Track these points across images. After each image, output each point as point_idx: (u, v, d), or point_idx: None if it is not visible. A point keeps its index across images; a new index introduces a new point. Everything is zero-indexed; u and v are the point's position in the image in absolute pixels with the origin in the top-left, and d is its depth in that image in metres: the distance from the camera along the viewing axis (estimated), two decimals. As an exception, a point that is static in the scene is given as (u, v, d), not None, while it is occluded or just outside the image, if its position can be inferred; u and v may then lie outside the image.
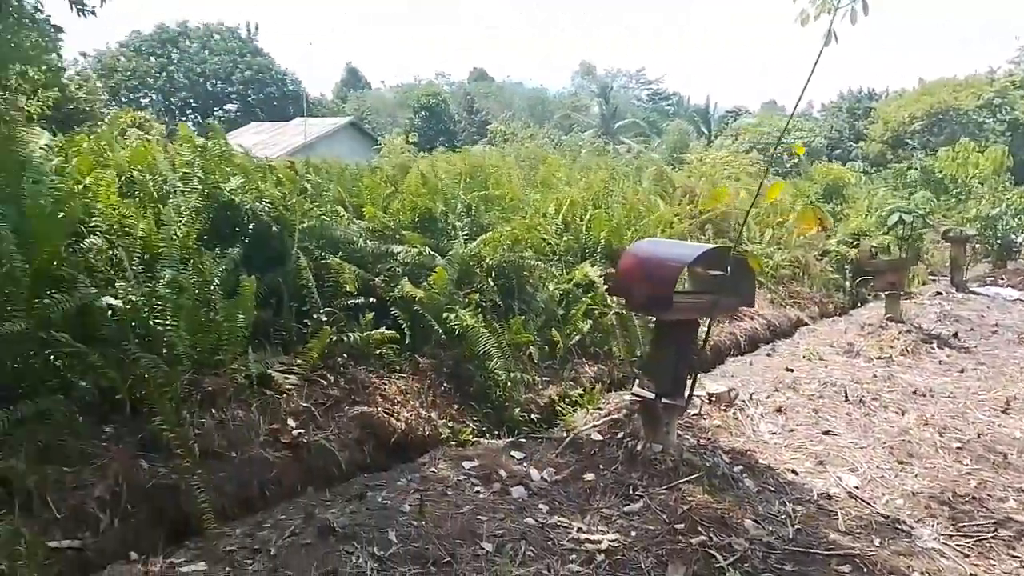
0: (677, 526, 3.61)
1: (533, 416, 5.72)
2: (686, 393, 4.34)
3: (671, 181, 12.89)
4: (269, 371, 4.62)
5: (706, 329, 4.75)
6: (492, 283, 6.41)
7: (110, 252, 4.40)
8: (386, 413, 4.89)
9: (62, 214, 4.04)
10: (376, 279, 5.79)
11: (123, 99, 43.44)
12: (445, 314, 5.66)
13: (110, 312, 3.99)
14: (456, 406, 5.47)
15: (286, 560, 3.04)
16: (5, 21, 7.45)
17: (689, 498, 3.90)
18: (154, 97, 47.69)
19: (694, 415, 5.14)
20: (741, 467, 4.48)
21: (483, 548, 3.26)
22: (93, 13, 6.72)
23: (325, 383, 4.94)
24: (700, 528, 3.62)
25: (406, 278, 5.78)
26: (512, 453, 4.59)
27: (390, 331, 5.38)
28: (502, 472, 4.24)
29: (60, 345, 3.72)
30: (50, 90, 12.29)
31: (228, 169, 5.47)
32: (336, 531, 3.23)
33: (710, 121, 46.58)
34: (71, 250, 4.18)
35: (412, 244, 6.14)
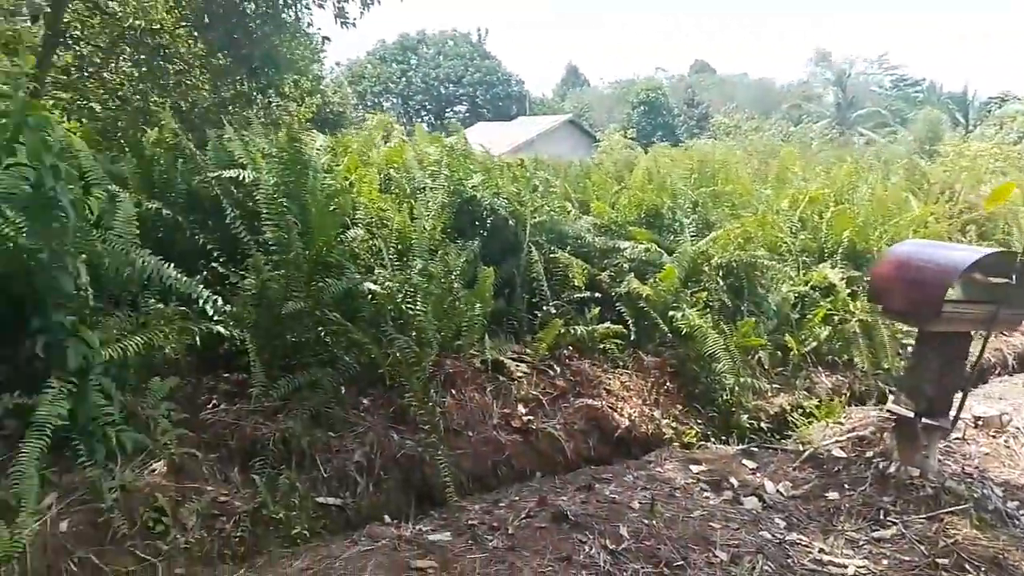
0: (940, 560, 3.23)
1: (762, 424, 5.44)
2: (952, 414, 3.86)
3: (925, 176, 11.52)
4: (502, 358, 4.85)
5: (981, 344, 4.18)
6: (720, 282, 6.18)
7: (370, 242, 4.88)
8: (610, 408, 4.92)
9: (334, 208, 4.54)
10: (602, 274, 5.84)
11: (368, 103, 48.04)
12: (671, 312, 5.56)
13: (370, 296, 4.43)
14: (679, 407, 5.36)
15: (523, 540, 3.17)
16: (283, 35, 8.55)
17: (953, 531, 3.47)
18: (394, 101, 52.14)
19: (956, 439, 4.56)
20: (1018, 503, 3.90)
21: (717, 556, 3.15)
22: (354, 24, 7.50)
23: (552, 373, 5.08)
24: (968, 567, 3.20)
25: (632, 274, 5.76)
26: (743, 461, 4.39)
27: (615, 326, 5.40)
28: (733, 480, 4.07)
29: (330, 323, 4.19)
30: (314, 96, 13.89)
31: (471, 167, 5.82)
32: (569, 519, 3.31)
33: (968, 109, 40.91)
34: (339, 240, 4.69)
35: (639, 240, 6.10)
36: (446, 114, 50.74)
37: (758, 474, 4.22)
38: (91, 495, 3.21)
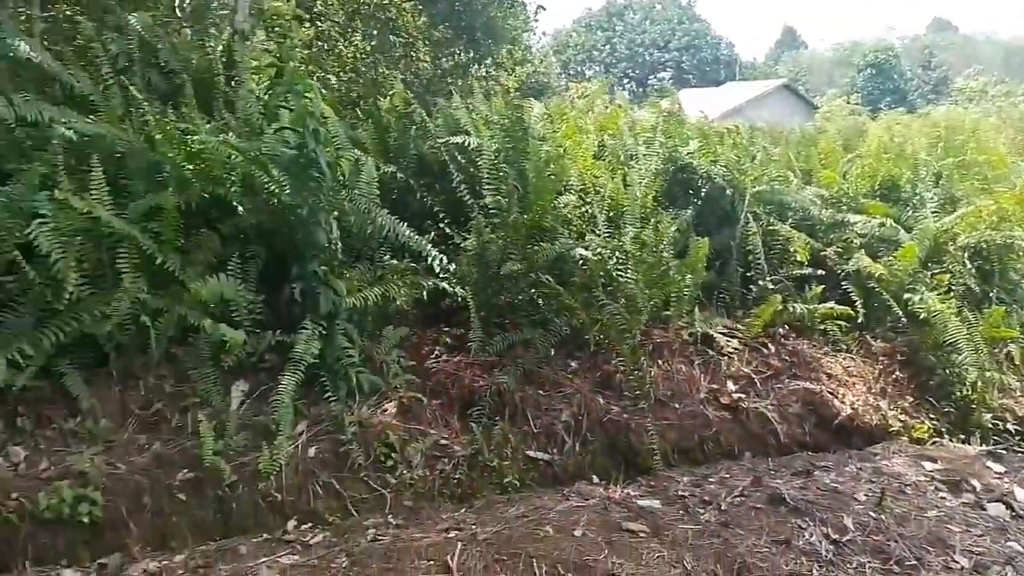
0: None
1: (1008, 426, 4.81)
2: None
3: None
4: (712, 332, 4.70)
5: None
6: (967, 264, 5.50)
7: (583, 208, 4.92)
8: (830, 393, 4.60)
9: (551, 174, 4.62)
10: (827, 250, 5.43)
11: (570, 72, 48.23)
12: (907, 295, 5.05)
13: (581, 261, 4.48)
14: (910, 398, 4.89)
15: (736, 518, 3.09)
16: (501, 5, 8.79)
17: None
18: (597, 69, 51.89)
19: None
20: None
21: (957, 562, 2.86)
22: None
23: (765, 351, 4.85)
24: None
25: (862, 251, 5.30)
26: (988, 464, 3.91)
27: (840, 306, 5.01)
28: (975, 482, 3.65)
29: (542, 286, 4.31)
30: (524, 66, 14.17)
31: (686, 133, 5.64)
32: (787, 502, 3.17)
33: None
34: (553, 205, 4.78)
35: (871, 214, 5.58)
36: (649, 81, 49.59)
37: (1006, 479, 3.74)
38: (334, 427, 3.60)
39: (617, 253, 4.54)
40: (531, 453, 3.86)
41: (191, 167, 3.68)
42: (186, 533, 3.10)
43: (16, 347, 3.09)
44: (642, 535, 2.91)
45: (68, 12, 6.10)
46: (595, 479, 3.69)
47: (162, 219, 3.45)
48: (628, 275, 4.42)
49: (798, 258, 5.19)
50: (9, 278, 3.29)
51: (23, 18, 5.25)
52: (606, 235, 4.69)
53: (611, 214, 4.92)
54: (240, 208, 3.72)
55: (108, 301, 3.22)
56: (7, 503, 2.93)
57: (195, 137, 3.61)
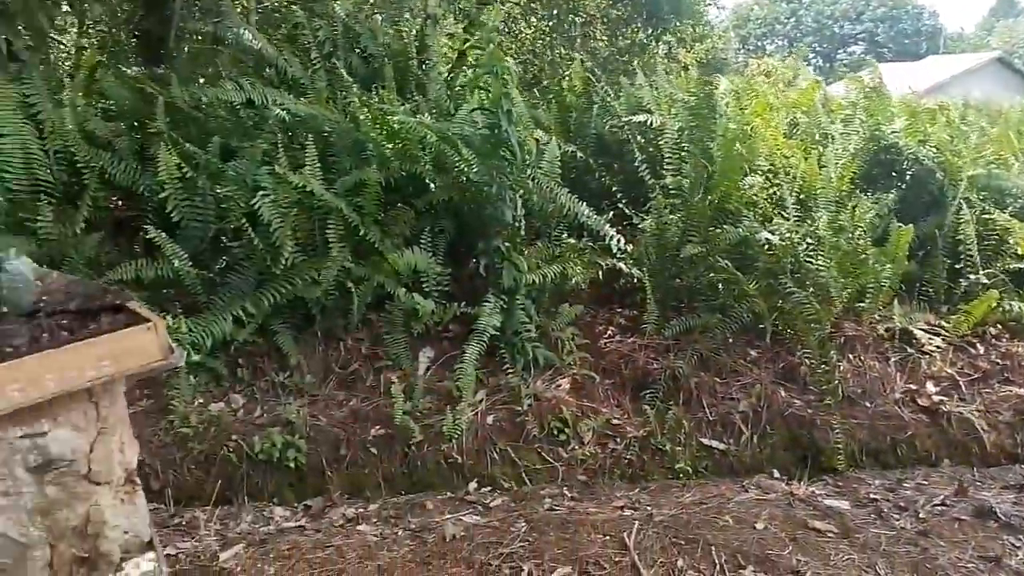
0: None
1: None
2: None
3: None
4: (912, 327, 4.33)
5: None
6: None
7: (769, 190, 4.68)
8: (1052, 403, 4.08)
9: (738, 153, 4.44)
10: (1055, 242, 4.78)
11: (749, 47, 45.73)
12: None
13: (766, 246, 4.28)
14: None
15: (936, 528, 2.85)
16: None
17: None
18: (779, 43, 48.80)
19: None
20: None
21: None
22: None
23: (973, 352, 4.40)
24: None
25: (1100, 245, 4.62)
26: None
27: (1069, 307, 4.42)
28: None
29: (722, 271, 4.16)
30: (703, 42, 13.66)
31: (892, 110, 5.18)
32: (998, 517, 2.87)
33: None
34: (738, 186, 4.59)
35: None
36: (837, 56, 45.96)
37: None
38: (510, 398, 3.73)
39: (807, 238, 4.28)
40: (705, 441, 3.77)
41: (391, 146, 3.92)
42: (378, 484, 3.36)
43: (240, 305, 3.48)
44: (830, 535, 2.75)
45: (277, 2, 6.71)
46: (775, 473, 3.54)
47: (365, 194, 3.72)
48: (819, 262, 4.16)
49: (1018, 251, 4.62)
50: (235, 244, 3.70)
51: (239, 9, 5.84)
52: (795, 219, 4.44)
53: (801, 196, 4.65)
54: (432, 185, 3.92)
55: (318, 268, 3.53)
56: (229, 443, 3.32)
57: (395, 117, 3.84)
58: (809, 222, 4.36)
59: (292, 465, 3.30)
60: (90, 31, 6.52)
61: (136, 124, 4.25)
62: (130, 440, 1.51)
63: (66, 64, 5.94)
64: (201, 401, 3.46)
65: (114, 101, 4.34)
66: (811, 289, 4.12)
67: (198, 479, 3.25)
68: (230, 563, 2.60)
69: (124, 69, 4.66)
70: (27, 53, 3.75)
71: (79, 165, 3.73)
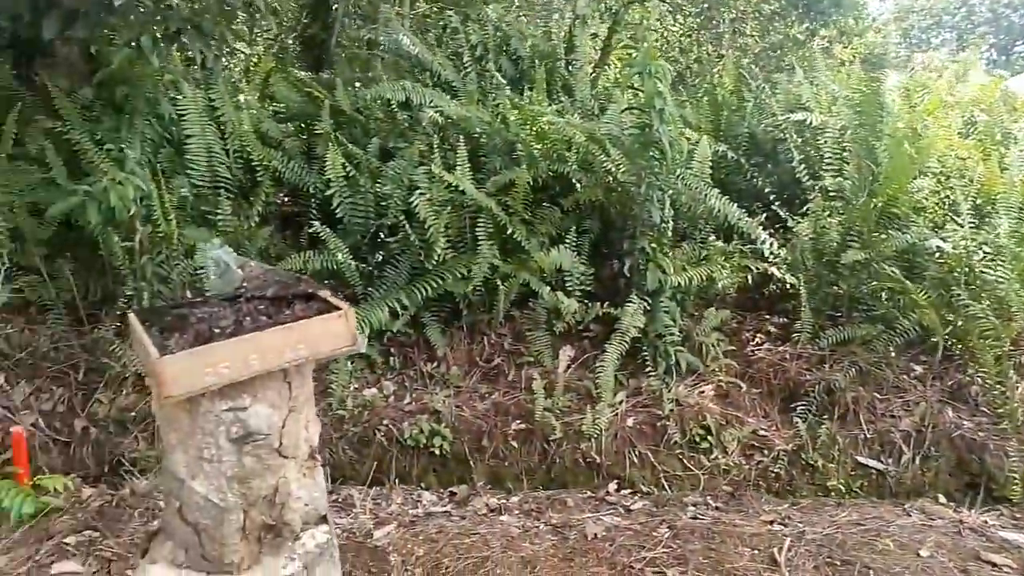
0: None
1: None
2: None
3: None
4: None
5: None
6: None
7: (941, 194, 4.32)
8: None
9: (907, 154, 4.12)
10: None
11: (912, 41, 42.31)
12: None
13: (937, 254, 3.96)
14: None
15: None
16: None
17: None
18: (946, 36, 44.83)
19: None
20: None
21: None
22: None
23: None
24: None
25: None
26: None
27: None
28: None
29: (888, 279, 3.88)
30: (863, 36, 12.80)
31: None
32: None
33: None
34: (906, 190, 4.26)
35: None
36: (1015, 48, 41.57)
37: None
38: (651, 401, 3.68)
39: (985, 247, 3.91)
40: (861, 459, 3.55)
41: (539, 146, 3.98)
42: (518, 477, 3.43)
43: (395, 298, 3.66)
44: (1007, 570, 2.51)
45: (430, 7, 6.98)
46: (940, 499, 3.27)
47: (514, 193, 3.80)
48: (999, 272, 3.79)
49: None
50: (392, 239, 3.89)
51: (394, 14, 6.12)
52: (970, 225, 4.07)
53: (978, 201, 4.25)
54: (579, 185, 3.94)
55: (468, 264, 3.65)
56: (380, 427, 3.50)
57: (544, 118, 3.89)
58: (987, 229, 3.97)
59: (437, 452, 3.44)
60: (258, 39, 7.08)
61: (303, 125, 4.58)
62: (314, 419, 1.63)
63: (236, 70, 6.48)
64: (356, 386, 3.67)
65: (284, 104, 4.69)
66: (988, 302, 3.77)
67: (352, 460, 3.45)
68: (382, 541, 2.75)
69: (294, 73, 5.01)
70: (214, 61, 4.13)
71: (254, 163, 4.06)
